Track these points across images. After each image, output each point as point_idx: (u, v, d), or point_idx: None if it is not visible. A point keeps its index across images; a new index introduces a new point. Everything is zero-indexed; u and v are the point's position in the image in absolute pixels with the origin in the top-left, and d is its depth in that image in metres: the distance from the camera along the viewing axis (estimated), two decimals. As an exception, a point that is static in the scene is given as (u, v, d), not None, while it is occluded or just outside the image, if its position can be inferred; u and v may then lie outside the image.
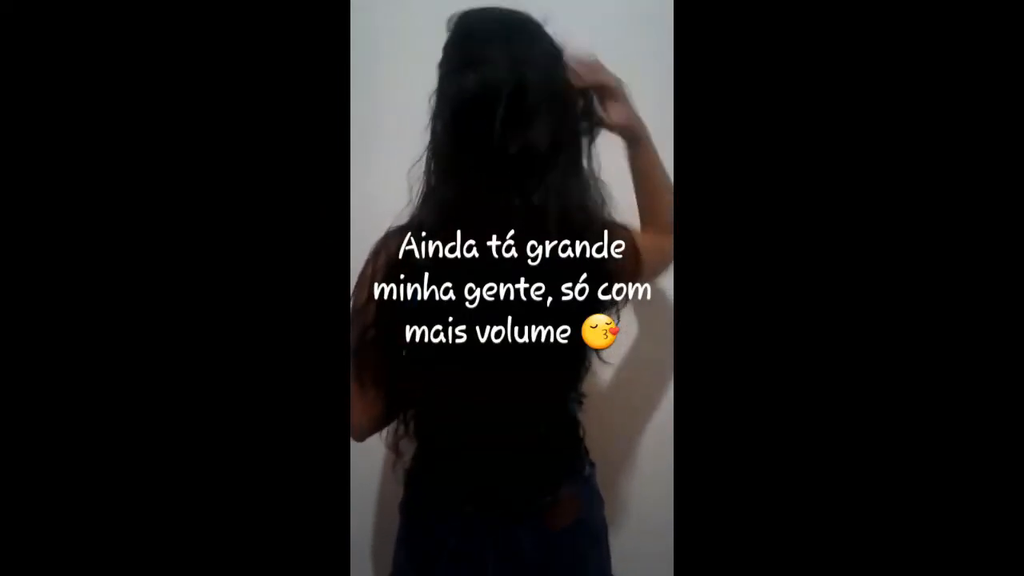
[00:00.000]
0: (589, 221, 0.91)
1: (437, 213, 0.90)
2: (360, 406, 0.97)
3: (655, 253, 1.01)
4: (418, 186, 0.93)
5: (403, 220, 0.94)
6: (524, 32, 0.91)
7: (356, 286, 0.96)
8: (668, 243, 0.99)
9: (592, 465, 1.07)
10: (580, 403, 1.04)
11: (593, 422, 1.06)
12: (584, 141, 0.96)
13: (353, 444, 0.98)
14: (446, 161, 0.90)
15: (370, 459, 1.32)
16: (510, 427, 0.95)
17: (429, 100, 0.92)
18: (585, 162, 0.95)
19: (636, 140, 1.02)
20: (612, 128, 1.00)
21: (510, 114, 0.86)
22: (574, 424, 1.04)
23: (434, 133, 0.91)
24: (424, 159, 0.92)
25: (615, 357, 1.10)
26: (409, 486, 1.05)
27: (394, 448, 1.01)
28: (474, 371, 0.92)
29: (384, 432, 1.02)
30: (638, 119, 1.01)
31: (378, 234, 0.96)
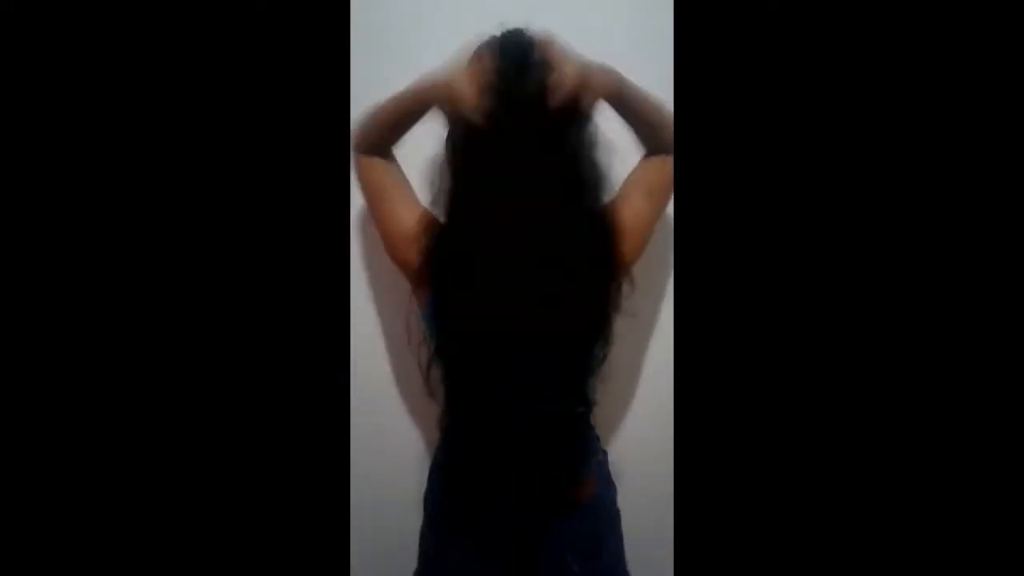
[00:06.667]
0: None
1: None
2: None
3: (664, 182, 1.02)
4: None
5: None
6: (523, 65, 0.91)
7: None
8: (670, 163, 1.00)
9: (604, 453, 1.09)
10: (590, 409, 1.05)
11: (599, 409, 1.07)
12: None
13: (355, 443, 0.98)
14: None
15: (372, 458, 1.31)
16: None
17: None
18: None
19: (619, 91, 0.95)
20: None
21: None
22: (585, 416, 1.05)
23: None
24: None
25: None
26: (432, 478, 1.09)
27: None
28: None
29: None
30: (602, 71, 0.93)
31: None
